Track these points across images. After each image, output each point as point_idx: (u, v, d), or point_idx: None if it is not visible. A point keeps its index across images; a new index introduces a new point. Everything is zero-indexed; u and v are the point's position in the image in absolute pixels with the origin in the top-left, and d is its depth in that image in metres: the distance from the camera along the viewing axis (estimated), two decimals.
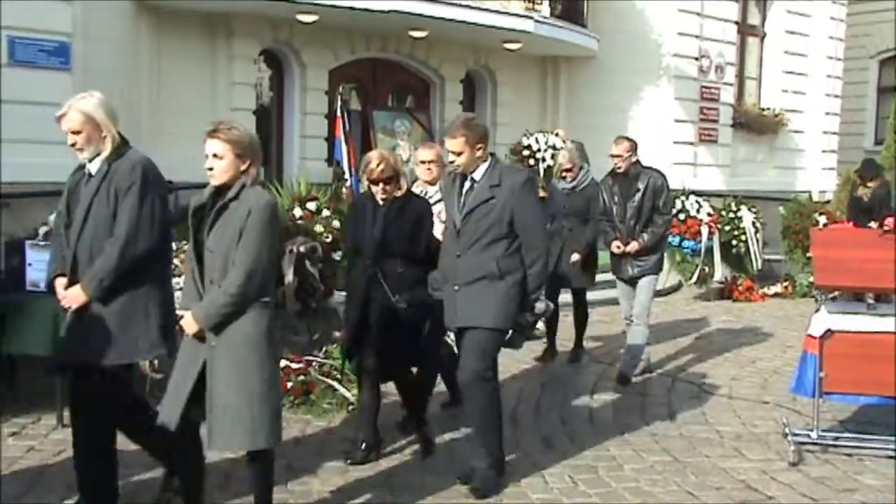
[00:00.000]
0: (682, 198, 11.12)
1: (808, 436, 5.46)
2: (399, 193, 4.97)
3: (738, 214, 11.64)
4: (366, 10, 10.74)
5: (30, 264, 5.52)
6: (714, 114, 15.12)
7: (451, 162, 4.67)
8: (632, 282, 7.14)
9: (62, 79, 8.98)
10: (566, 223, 7.59)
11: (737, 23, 15.63)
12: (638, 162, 7.06)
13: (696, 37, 14.67)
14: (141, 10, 10.40)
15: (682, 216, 10.96)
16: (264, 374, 3.81)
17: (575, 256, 7.47)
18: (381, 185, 4.91)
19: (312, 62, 12.06)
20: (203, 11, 10.88)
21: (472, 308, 4.60)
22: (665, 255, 7.41)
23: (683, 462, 5.28)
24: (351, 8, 10.67)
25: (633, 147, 7.05)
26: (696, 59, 14.69)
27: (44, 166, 8.71)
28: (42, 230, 6.10)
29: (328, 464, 5.06)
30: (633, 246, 7.00)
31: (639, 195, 6.99)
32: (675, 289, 11.79)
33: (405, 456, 5.26)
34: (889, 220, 9.36)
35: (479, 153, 4.59)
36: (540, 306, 4.67)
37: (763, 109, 16.39)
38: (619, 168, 7.04)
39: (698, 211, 11.00)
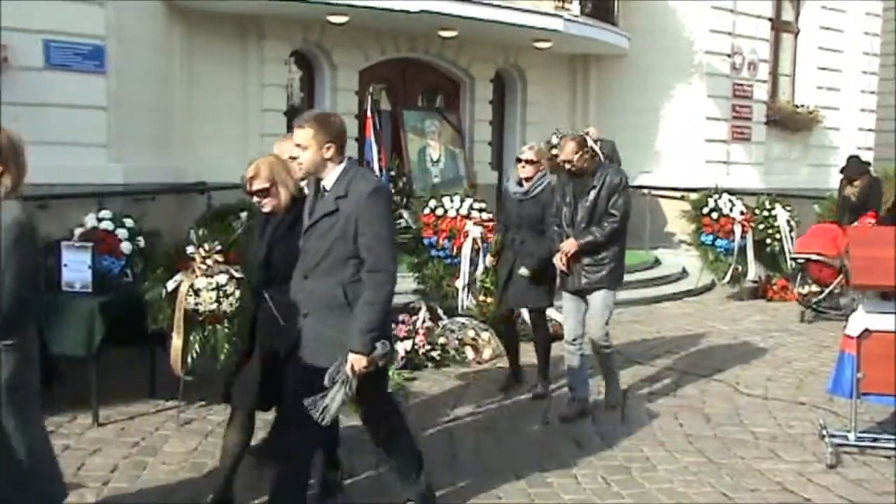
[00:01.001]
0: (715, 196, 11.00)
1: (846, 437, 5.37)
2: (275, 205, 4.23)
3: (773, 213, 11.47)
4: (396, 10, 10.77)
5: (65, 265, 5.58)
6: (747, 111, 14.99)
7: (294, 158, 3.99)
8: (580, 294, 6.00)
9: (97, 81, 9.10)
10: (517, 235, 6.43)
11: (770, 19, 15.48)
12: (595, 157, 6.08)
13: (729, 34, 14.55)
14: (173, 13, 10.50)
15: (714, 215, 10.85)
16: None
17: (523, 271, 6.34)
18: (254, 197, 4.27)
19: (343, 63, 12.11)
20: (234, 13, 10.96)
21: (313, 343, 3.88)
22: (622, 267, 6.11)
23: (718, 463, 5.22)
24: (381, 9, 10.70)
25: (581, 144, 6.02)
26: (729, 56, 14.57)
27: (80, 168, 8.86)
28: (77, 231, 6.16)
29: (361, 461, 5.06)
30: (570, 245, 5.88)
31: (593, 193, 5.93)
32: (708, 288, 11.68)
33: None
34: (867, 219, 9.18)
35: (327, 153, 3.85)
36: (378, 349, 3.75)
37: (797, 106, 16.22)
38: (572, 169, 6.01)
39: (731, 209, 10.86)
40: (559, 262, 5.93)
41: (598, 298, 5.95)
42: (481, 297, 7.91)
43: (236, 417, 4.39)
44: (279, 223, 4.26)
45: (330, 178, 3.90)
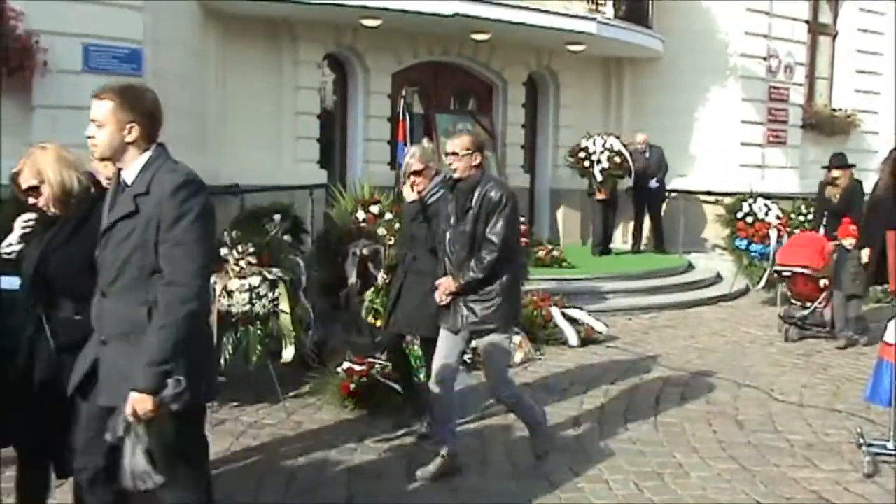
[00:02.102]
0: (750, 200, 10.90)
1: (884, 446, 5.27)
2: (43, 204, 3.57)
3: (808, 217, 11.35)
4: (429, 13, 10.79)
5: None
6: (783, 115, 14.82)
7: (90, 137, 3.24)
8: (458, 333, 4.93)
9: None
10: (409, 250, 5.49)
11: (807, 21, 15.31)
12: (479, 167, 4.90)
13: (765, 36, 14.40)
14: (209, 17, 10.60)
15: (749, 219, 10.75)
16: None
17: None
18: (27, 197, 3.62)
19: (375, 66, 12.15)
20: (268, 17, 11.04)
21: (112, 379, 3.06)
22: (514, 303, 5.04)
23: (752, 471, 5.15)
24: (414, 12, 10.73)
25: (475, 144, 4.89)
26: (765, 58, 14.42)
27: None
28: None
29: (391, 466, 5.07)
30: (447, 285, 4.85)
31: (470, 215, 4.80)
32: (743, 293, 11.57)
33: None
34: (847, 227, 8.59)
35: (129, 136, 3.13)
36: (169, 386, 2.91)
37: (834, 110, 16.02)
38: (454, 172, 4.91)
39: (766, 214, 10.76)
40: (438, 298, 4.92)
41: (488, 346, 4.90)
42: (370, 319, 6.78)
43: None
44: (60, 227, 3.58)
45: (131, 169, 3.14)
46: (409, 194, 5.41)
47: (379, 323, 6.32)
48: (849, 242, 8.49)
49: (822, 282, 8.76)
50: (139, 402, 2.89)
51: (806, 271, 8.84)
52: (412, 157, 5.36)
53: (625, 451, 5.45)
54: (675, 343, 8.66)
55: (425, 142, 5.55)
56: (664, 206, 13.60)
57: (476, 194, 4.80)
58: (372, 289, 6.67)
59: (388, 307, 5.74)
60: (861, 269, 8.25)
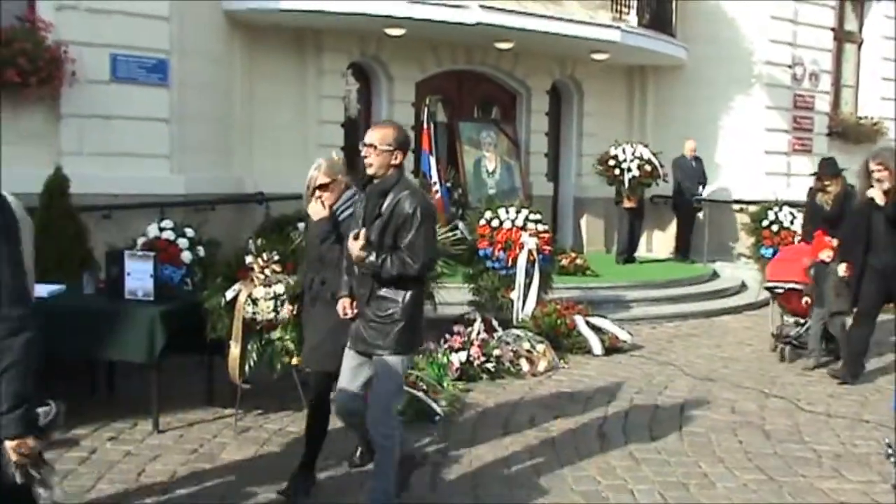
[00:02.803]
0: (775, 208, 10.81)
1: None
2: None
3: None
4: (453, 22, 10.83)
5: (128, 274, 5.70)
6: (808, 123, 14.73)
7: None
8: (366, 354, 4.33)
9: (160, 94, 9.31)
10: (317, 273, 4.70)
11: (833, 29, 15.21)
12: (398, 167, 4.31)
13: (790, 44, 14.32)
14: (234, 27, 10.70)
15: (774, 227, 10.67)
16: None
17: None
18: None
19: (399, 75, 12.20)
20: (293, 26, 11.12)
21: None
22: (417, 327, 4.33)
23: (779, 481, 5.10)
24: (438, 21, 10.77)
25: (398, 141, 4.27)
26: (790, 66, 14.35)
27: (142, 179, 9.07)
28: (140, 241, 6.29)
29: (415, 472, 5.06)
30: (344, 304, 4.38)
31: (378, 223, 4.21)
32: (768, 302, 11.45)
33: None
34: (822, 239, 7.97)
35: None
36: (41, 415, 2.75)
37: (860, 118, 15.88)
38: (368, 167, 4.30)
39: (792, 222, 10.67)
40: (341, 310, 4.38)
41: (380, 369, 4.27)
42: (285, 360, 5.70)
43: None
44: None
45: None
46: (317, 211, 4.65)
47: (296, 361, 5.54)
48: (826, 255, 7.86)
49: (804, 299, 8.13)
50: (19, 447, 2.67)
51: (798, 287, 8.21)
52: (317, 169, 4.68)
53: (650, 460, 5.41)
54: (699, 352, 8.61)
55: (334, 153, 4.94)
56: (700, 215, 13.55)
57: (388, 200, 4.18)
58: (279, 326, 5.62)
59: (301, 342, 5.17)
60: (843, 284, 7.64)
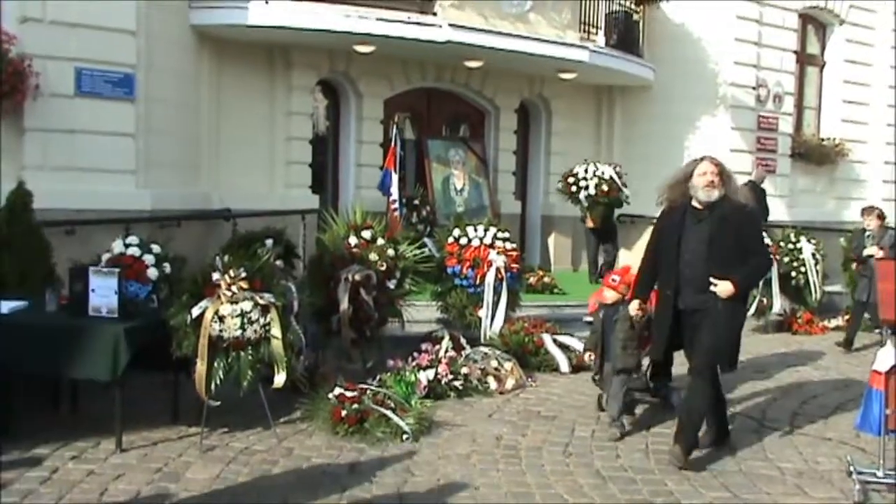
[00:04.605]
0: None
1: (874, 475, 5.29)
2: None
3: (798, 245, 11.40)
4: (422, 40, 10.87)
5: (93, 290, 5.63)
6: (772, 143, 14.96)
7: None
8: None
9: (126, 109, 9.23)
10: None
11: (795, 52, 15.49)
12: None
13: (754, 66, 14.56)
14: (202, 42, 10.65)
15: None
16: None
17: None
18: None
19: (368, 92, 12.22)
20: (262, 42, 11.10)
21: None
22: None
23: (743, 499, 5.15)
24: (408, 38, 10.81)
25: None
26: (754, 88, 14.58)
27: (108, 194, 8.97)
28: (105, 257, 6.22)
29: (382, 493, 5.04)
30: None
31: None
32: None
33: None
34: (608, 277, 6.80)
35: None
36: None
37: (822, 139, 16.15)
38: None
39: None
40: None
41: None
42: None
43: None
44: None
45: None
46: None
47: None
48: (611, 296, 6.45)
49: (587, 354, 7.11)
50: None
51: None
52: None
53: (616, 478, 5.43)
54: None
55: None
56: None
57: None
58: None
59: None
60: (633, 333, 6.22)
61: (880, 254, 9.49)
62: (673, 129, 14.25)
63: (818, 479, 5.54)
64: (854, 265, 10.46)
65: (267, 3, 10.16)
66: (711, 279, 5.56)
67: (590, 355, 7.00)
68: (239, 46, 11.02)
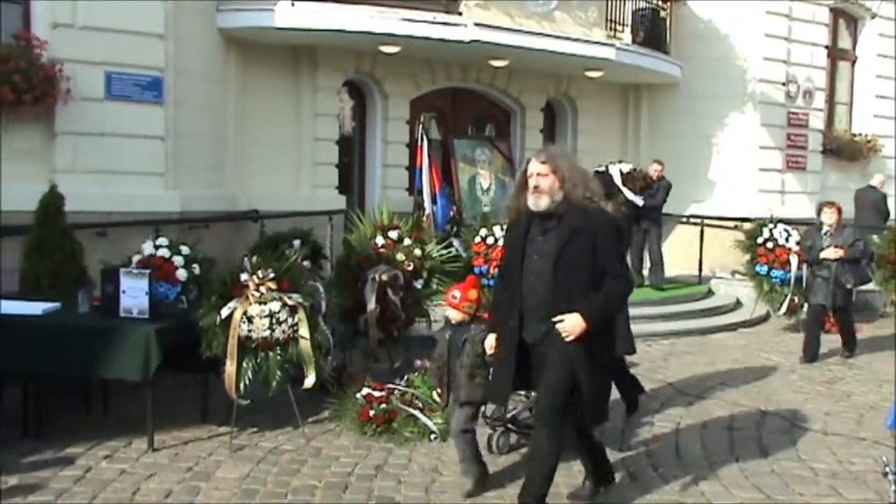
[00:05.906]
0: (770, 226, 10.83)
1: None
2: None
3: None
4: (448, 40, 10.87)
5: (124, 291, 5.68)
6: (802, 140, 14.79)
7: None
8: None
9: (155, 112, 9.31)
10: None
11: (826, 47, 15.29)
12: None
13: (784, 62, 14.41)
14: (229, 45, 10.72)
15: (769, 245, 10.68)
16: None
17: None
18: None
19: (394, 92, 12.23)
20: (288, 45, 11.15)
21: None
22: None
23: (776, 500, 5.09)
24: (433, 38, 10.81)
25: None
26: (784, 84, 14.43)
27: (137, 196, 9.06)
28: (135, 258, 6.27)
29: (411, 493, 5.04)
30: None
31: None
32: (763, 319, 11.48)
33: None
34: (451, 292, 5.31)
35: None
36: None
37: (854, 135, 15.96)
38: None
39: (787, 240, 10.67)
40: None
41: None
42: None
43: None
44: None
45: None
46: None
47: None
48: (454, 316, 5.28)
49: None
50: None
51: None
52: None
53: (647, 478, 5.40)
54: (695, 370, 8.59)
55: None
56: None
57: None
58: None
59: None
60: (482, 360, 5.04)
61: (839, 253, 8.95)
62: (701, 126, 14.14)
63: (852, 479, 5.47)
64: (807, 265, 9.77)
65: (293, 4, 10.21)
66: (555, 314, 4.39)
67: (438, 392, 5.86)
68: (265, 48, 11.08)
